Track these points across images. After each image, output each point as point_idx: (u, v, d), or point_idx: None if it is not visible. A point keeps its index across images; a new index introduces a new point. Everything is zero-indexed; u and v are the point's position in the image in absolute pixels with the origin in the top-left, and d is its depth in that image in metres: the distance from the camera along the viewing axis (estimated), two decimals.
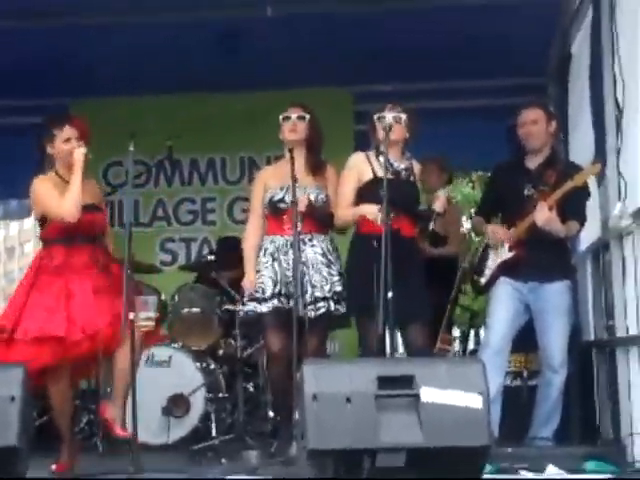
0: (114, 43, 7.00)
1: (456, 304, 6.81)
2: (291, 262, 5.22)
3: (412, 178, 5.42)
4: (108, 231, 5.40)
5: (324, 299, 5.25)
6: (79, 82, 7.65)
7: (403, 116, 5.30)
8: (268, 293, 5.34)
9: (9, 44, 7.05)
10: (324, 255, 5.36)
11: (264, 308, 5.35)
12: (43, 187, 5.14)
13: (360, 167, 5.40)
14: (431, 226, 5.40)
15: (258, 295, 5.38)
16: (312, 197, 5.35)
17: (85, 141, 5.18)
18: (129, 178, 4.89)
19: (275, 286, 5.33)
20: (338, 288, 5.30)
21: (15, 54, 7.16)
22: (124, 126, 5.35)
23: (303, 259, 5.22)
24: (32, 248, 50.74)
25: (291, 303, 5.15)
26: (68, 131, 5.16)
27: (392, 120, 5.21)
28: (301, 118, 5.47)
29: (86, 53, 7.20)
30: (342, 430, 3.81)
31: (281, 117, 5.50)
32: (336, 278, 5.32)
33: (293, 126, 5.44)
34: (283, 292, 5.32)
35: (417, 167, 5.50)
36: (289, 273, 5.26)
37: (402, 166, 5.34)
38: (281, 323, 5.28)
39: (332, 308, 5.27)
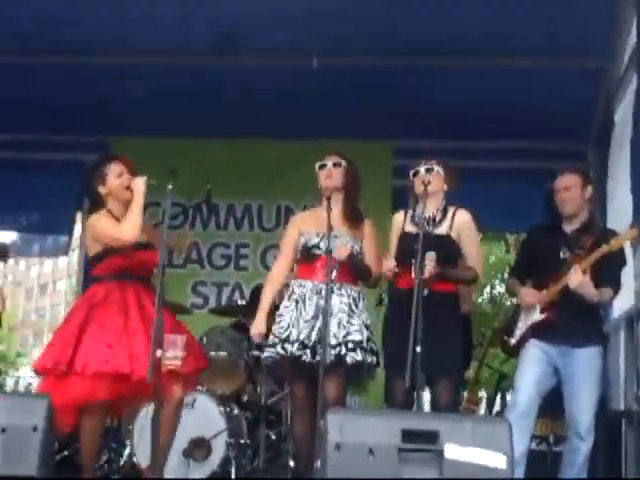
0: (157, 83, 7.10)
1: (483, 364, 6.76)
2: (312, 309, 5.26)
3: (441, 229, 5.35)
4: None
5: (336, 345, 5.19)
6: (118, 120, 7.76)
7: (436, 167, 5.33)
8: (291, 337, 5.29)
9: (50, 81, 7.18)
10: (349, 305, 5.33)
11: (282, 352, 5.29)
12: (102, 220, 5.18)
13: (398, 223, 5.47)
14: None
15: (277, 341, 5.35)
16: (351, 248, 5.34)
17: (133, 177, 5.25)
18: (166, 217, 4.88)
19: (287, 331, 5.31)
20: (356, 337, 5.25)
21: (50, 90, 7.27)
22: (162, 166, 5.38)
23: (326, 307, 5.22)
24: (64, 286, 51.16)
25: (294, 349, 5.20)
26: (119, 166, 5.26)
27: (424, 172, 5.27)
28: (337, 165, 5.48)
29: (127, 92, 7.28)
30: None
31: (317, 165, 5.51)
32: (355, 327, 5.27)
33: (329, 172, 5.45)
34: (292, 338, 5.28)
35: (459, 216, 5.40)
36: (307, 318, 5.27)
37: (427, 215, 5.31)
38: (301, 371, 5.28)
39: (342, 353, 5.19)
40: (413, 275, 4.98)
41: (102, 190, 5.25)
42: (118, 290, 5.12)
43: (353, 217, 5.48)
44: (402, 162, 7.94)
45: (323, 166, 5.49)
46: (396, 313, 5.18)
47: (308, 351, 5.17)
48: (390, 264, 5.20)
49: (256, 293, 7.38)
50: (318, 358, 5.02)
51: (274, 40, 6.53)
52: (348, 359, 5.19)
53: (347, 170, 5.49)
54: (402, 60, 6.82)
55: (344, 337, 5.21)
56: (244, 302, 7.05)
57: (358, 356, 5.22)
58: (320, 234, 5.35)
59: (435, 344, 4.83)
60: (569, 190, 5.40)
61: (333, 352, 5.12)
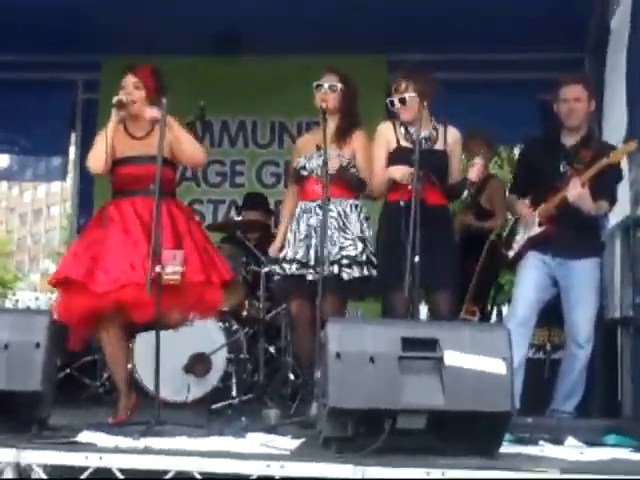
0: (159, 4, 7.00)
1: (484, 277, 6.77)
2: (304, 228, 5.37)
3: (437, 146, 5.36)
4: None
5: (331, 263, 5.21)
6: (112, 39, 7.66)
7: (407, 95, 5.27)
8: (289, 256, 5.41)
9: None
10: (338, 220, 5.34)
11: (279, 270, 5.45)
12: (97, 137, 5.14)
13: (388, 135, 5.41)
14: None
15: (278, 257, 5.53)
16: (342, 161, 5.35)
17: (149, 91, 5.09)
18: (161, 133, 4.83)
19: (283, 251, 5.46)
20: (351, 252, 5.27)
21: (45, 7, 7.16)
22: None
23: (314, 223, 5.30)
24: (58, 211, 51.10)
25: (293, 268, 5.32)
26: (128, 78, 5.12)
27: (399, 104, 5.30)
28: (333, 88, 5.44)
29: (120, 9, 7.18)
30: (364, 390, 3.81)
31: (315, 84, 5.48)
32: (349, 242, 5.30)
33: (324, 95, 5.42)
34: (289, 257, 5.38)
35: (451, 134, 5.43)
36: (301, 237, 5.37)
37: (423, 134, 5.27)
38: (297, 288, 5.37)
39: (336, 271, 5.22)
40: (410, 187, 4.98)
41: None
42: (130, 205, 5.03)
43: (343, 135, 5.47)
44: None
45: (319, 86, 5.45)
46: (390, 226, 5.17)
47: (311, 269, 5.22)
48: (403, 168, 5.15)
49: (249, 199, 7.45)
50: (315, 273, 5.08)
51: None
52: (344, 275, 5.23)
53: (343, 93, 5.45)
54: None
55: (337, 253, 5.23)
56: (240, 218, 7.06)
57: (355, 272, 5.25)
58: (308, 156, 5.40)
59: (432, 256, 4.85)
60: (580, 101, 5.35)
61: (331, 268, 5.16)
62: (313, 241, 5.30)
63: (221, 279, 5.08)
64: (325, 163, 5.10)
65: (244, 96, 8.11)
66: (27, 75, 8.50)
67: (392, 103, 5.37)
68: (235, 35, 7.55)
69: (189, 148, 5.09)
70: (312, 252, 5.29)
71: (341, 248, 5.27)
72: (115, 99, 5.03)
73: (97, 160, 5.05)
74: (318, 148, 5.27)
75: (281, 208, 5.83)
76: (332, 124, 5.45)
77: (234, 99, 8.06)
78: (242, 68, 8.11)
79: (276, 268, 5.47)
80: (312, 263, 5.26)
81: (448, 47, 7.50)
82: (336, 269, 5.22)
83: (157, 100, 5.03)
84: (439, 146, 5.36)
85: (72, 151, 9.02)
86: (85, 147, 8.52)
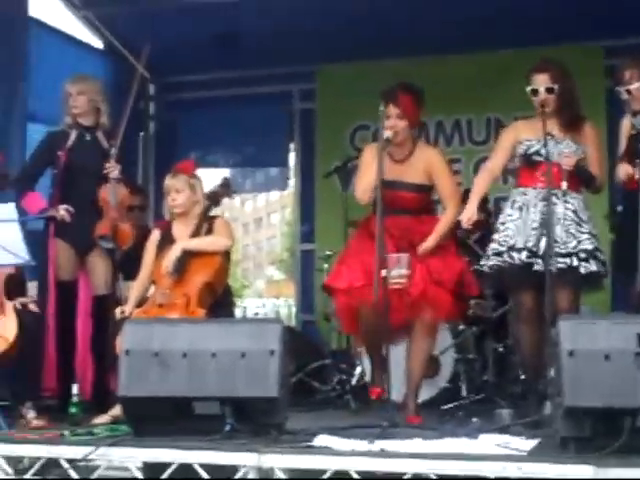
0: (358, 7, 7.08)
1: None
2: (538, 216, 5.15)
3: None
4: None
5: (568, 255, 5.08)
6: (325, 48, 7.81)
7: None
8: (515, 245, 5.21)
9: (254, 15, 7.31)
10: (575, 213, 5.20)
11: (507, 259, 5.22)
12: (362, 157, 5.52)
13: (629, 124, 5.29)
14: None
15: (501, 249, 5.29)
16: (575, 155, 5.21)
17: (411, 119, 5.35)
18: (379, 138, 4.90)
19: (512, 239, 5.22)
20: (587, 246, 5.12)
21: (264, 22, 7.39)
22: (371, 90, 5.40)
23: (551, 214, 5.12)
24: (278, 218, 52.45)
25: (522, 256, 5.12)
26: (389, 109, 5.31)
27: (636, 90, 5.11)
28: (549, 91, 5.27)
29: (333, 18, 7.31)
30: (600, 388, 3.74)
31: (529, 89, 5.29)
32: (585, 236, 5.14)
33: (544, 100, 5.22)
34: (520, 246, 5.19)
35: None
36: (534, 225, 5.17)
37: None
38: (528, 279, 5.18)
39: (575, 264, 5.08)
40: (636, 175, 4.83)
41: None
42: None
43: (572, 123, 5.31)
44: (614, 62, 7.65)
45: (535, 92, 5.29)
46: (627, 216, 5.02)
47: (539, 260, 5.09)
48: (625, 166, 5.04)
49: (466, 197, 7.37)
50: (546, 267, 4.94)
51: None
52: (582, 269, 5.09)
53: (561, 90, 5.29)
54: None
55: (575, 247, 5.10)
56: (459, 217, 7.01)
57: (592, 266, 5.11)
58: (540, 140, 5.21)
59: None
60: None
61: (565, 261, 5.04)
62: (545, 231, 5.09)
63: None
64: (559, 155, 5.02)
65: (457, 94, 8.07)
66: (244, 90, 8.79)
67: (619, 93, 5.23)
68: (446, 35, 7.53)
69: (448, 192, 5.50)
70: (543, 242, 5.13)
71: (579, 241, 5.13)
72: (385, 134, 5.19)
73: (365, 193, 5.34)
74: (546, 137, 5.06)
75: (475, 179, 5.65)
76: (554, 121, 5.25)
77: (447, 98, 8.02)
78: (454, 66, 8.08)
79: (505, 257, 5.25)
80: (542, 253, 5.11)
81: None
82: (575, 261, 5.09)
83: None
84: None
85: (291, 158, 9.22)
86: (304, 156, 8.79)
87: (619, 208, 5.38)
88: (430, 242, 5.32)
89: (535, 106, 5.28)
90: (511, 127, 5.63)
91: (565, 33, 7.33)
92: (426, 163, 5.42)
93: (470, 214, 5.28)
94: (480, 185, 5.48)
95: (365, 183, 5.32)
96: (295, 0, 7.22)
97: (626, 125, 5.33)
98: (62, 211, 5.80)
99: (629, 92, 5.17)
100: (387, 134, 5.18)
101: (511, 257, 5.21)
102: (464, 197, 7.26)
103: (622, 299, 5.03)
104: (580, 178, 5.22)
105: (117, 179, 5.86)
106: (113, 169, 5.84)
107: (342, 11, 7.22)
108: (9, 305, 5.24)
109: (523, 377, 6.14)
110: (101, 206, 5.89)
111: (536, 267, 5.08)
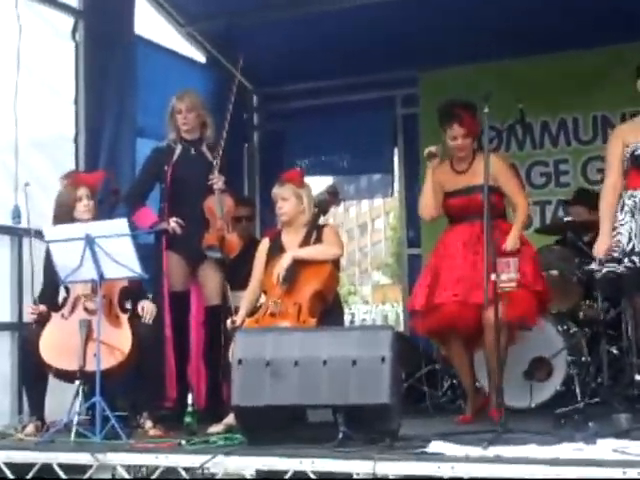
0: (467, 12, 7.05)
1: None
2: None
3: None
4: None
5: None
6: (427, 53, 7.79)
7: None
8: (625, 251, 5.13)
9: (352, 24, 7.33)
10: None
11: (621, 268, 5.14)
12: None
13: None
14: None
15: (616, 254, 5.18)
16: None
17: (474, 134, 5.58)
18: (484, 140, 4.87)
19: (630, 243, 5.12)
20: None
21: (368, 30, 7.42)
22: (473, 93, 5.38)
23: None
24: (382, 224, 52.42)
25: (637, 260, 5.00)
26: (454, 130, 5.57)
27: None
28: None
29: (433, 22, 7.30)
30: None
31: None
32: None
33: None
34: (637, 250, 5.07)
35: None
36: None
37: None
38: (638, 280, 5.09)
39: None
40: None
41: None
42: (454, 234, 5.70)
43: None
44: None
45: None
46: None
47: None
48: None
49: (581, 194, 7.25)
50: None
51: None
52: None
53: None
54: None
55: None
56: (569, 218, 6.91)
57: None
58: None
59: None
60: None
61: None
62: None
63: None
64: None
65: (561, 94, 7.94)
66: (347, 97, 8.82)
67: None
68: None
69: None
70: None
71: None
72: (426, 151, 5.67)
73: (425, 209, 5.83)
74: None
75: (602, 199, 5.37)
76: None
77: (551, 98, 7.92)
78: (556, 65, 7.95)
79: (625, 262, 5.11)
80: None
81: None
82: None
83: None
84: None
85: (396, 165, 9.21)
86: (408, 161, 8.78)
87: None
88: (511, 239, 5.41)
89: None
90: (616, 133, 5.53)
91: None
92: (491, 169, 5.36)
93: (606, 245, 5.19)
94: (609, 209, 5.30)
95: (423, 201, 5.80)
96: (395, 7, 7.18)
97: None
98: (173, 223, 5.91)
99: None
100: (431, 149, 5.65)
101: (632, 262, 5.10)
102: (576, 198, 7.19)
103: None
104: None
105: (222, 190, 5.96)
106: (217, 180, 5.94)
107: (442, 16, 7.19)
108: (123, 317, 5.36)
109: (639, 379, 6.01)
110: (208, 217, 5.99)
111: None
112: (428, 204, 5.76)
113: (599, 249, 5.21)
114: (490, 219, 4.89)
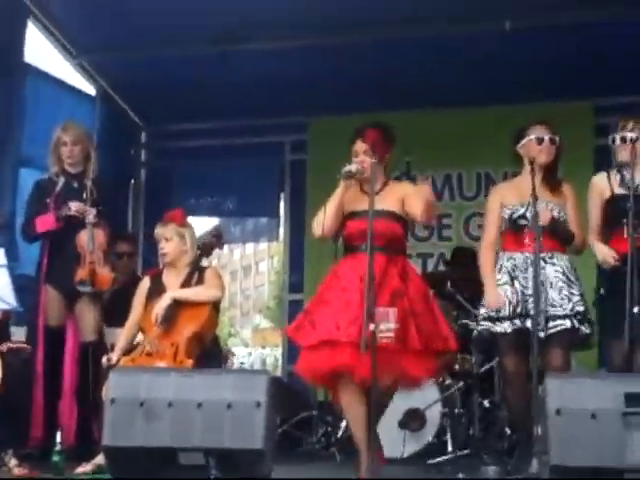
0: (361, 63, 7.15)
1: None
2: (530, 280, 5.12)
3: None
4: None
5: (564, 317, 5.10)
6: (317, 101, 7.87)
7: None
8: (504, 313, 5.24)
9: (249, 67, 7.37)
10: (564, 274, 5.21)
11: (498, 328, 5.25)
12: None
13: (601, 185, 5.26)
14: None
15: (493, 314, 5.30)
16: (555, 213, 5.24)
17: (380, 154, 5.18)
18: (371, 191, 4.90)
19: (510, 306, 5.24)
20: (580, 308, 5.13)
21: (260, 75, 7.46)
22: None
23: (543, 277, 5.08)
24: (266, 267, 52.44)
25: (527, 323, 5.07)
26: (357, 145, 5.22)
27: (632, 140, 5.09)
28: (553, 141, 5.34)
29: (323, 71, 7.38)
30: (587, 447, 3.73)
31: (534, 136, 5.32)
32: (577, 298, 5.14)
33: (547, 149, 5.29)
34: (519, 312, 5.21)
35: None
36: (528, 292, 5.16)
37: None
38: (517, 344, 5.19)
39: (574, 326, 5.07)
40: (625, 235, 4.86)
41: None
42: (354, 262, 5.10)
43: (555, 185, 5.32)
44: (604, 120, 7.73)
45: (540, 140, 5.33)
46: (612, 275, 5.04)
47: (529, 324, 5.08)
48: (604, 251, 5.05)
49: (457, 254, 7.40)
50: (542, 330, 4.93)
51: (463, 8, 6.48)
52: (579, 332, 5.10)
53: (558, 146, 5.35)
54: (591, 11, 6.57)
55: (572, 308, 5.10)
56: (449, 269, 7.03)
57: (587, 329, 5.13)
58: (525, 204, 5.25)
59: None
60: None
61: (562, 323, 5.05)
62: (536, 295, 5.03)
63: (435, 349, 5.08)
64: (536, 214, 5.01)
65: (448, 149, 8.12)
66: (236, 140, 8.83)
67: (613, 140, 5.19)
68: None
69: (420, 201, 5.07)
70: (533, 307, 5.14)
71: (573, 303, 5.13)
72: (343, 170, 5.11)
73: (319, 226, 5.16)
74: (535, 198, 5.03)
75: (481, 256, 5.46)
76: (538, 174, 5.25)
77: (438, 153, 8.09)
78: (445, 121, 8.14)
79: (498, 324, 5.21)
80: (533, 317, 5.10)
81: None
82: (569, 323, 5.09)
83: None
84: None
85: (282, 210, 9.24)
86: (294, 206, 8.81)
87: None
88: None
89: (527, 161, 5.31)
90: (495, 191, 5.65)
91: (555, 91, 7.41)
92: (400, 193, 5.20)
93: (495, 297, 5.23)
94: (489, 264, 5.39)
95: (323, 217, 5.15)
96: (287, 53, 7.26)
97: (601, 183, 5.27)
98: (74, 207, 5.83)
99: (625, 140, 5.11)
100: (351, 167, 5.09)
101: (501, 323, 5.21)
102: (454, 256, 7.31)
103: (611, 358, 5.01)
104: (556, 235, 5.23)
105: (94, 223, 5.88)
106: (88, 213, 5.87)
107: (333, 65, 7.28)
108: None
109: (509, 433, 6.13)
110: (79, 251, 5.90)
111: (528, 330, 5.08)
112: (328, 221, 5.13)
113: (490, 301, 5.27)
114: (372, 252, 4.72)
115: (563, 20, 6.66)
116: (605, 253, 5.06)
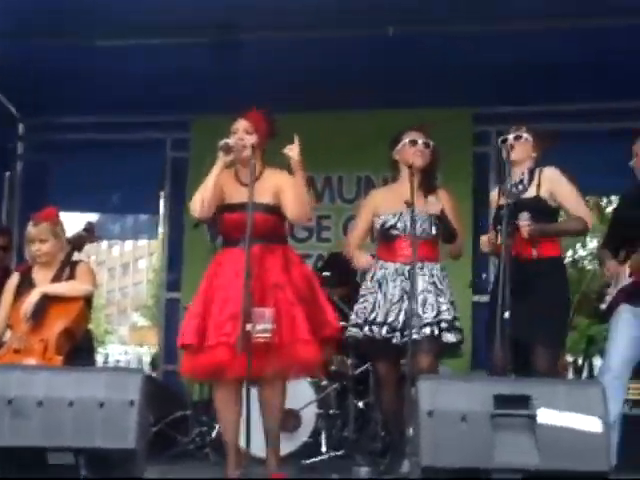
0: (244, 60, 7.11)
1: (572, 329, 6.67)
2: (397, 291, 5.25)
3: (536, 193, 5.27)
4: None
5: (428, 325, 5.18)
6: (201, 99, 7.81)
7: (525, 135, 5.27)
8: (367, 319, 5.34)
9: (130, 60, 7.26)
10: (434, 284, 5.30)
11: (361, 335, 5.36)
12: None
13: (494, 201, 5.44)
14: None
15: (359, 321, 5.38)
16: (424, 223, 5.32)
17: (261, 134, 5.12)
18: (250, 190, 4.87)
19: (372, 313, 5.32)
20: (446, 316, 5.23)
21: (132, 70, 7.35)
22: None
23: (408, 287, 5.16)
24: (145, 264, 51.86)
25: (383, 331, 5.21)
26: (237, 123, 5.17)
27: (513, 140, 5.23)
28: (427, 145, 5.42)
29: (209, 69, 7.32)
30: (457, 448, 3.78)
31: (407, 140, 5.43)
32: (445, 307, 5.25)
33: (421, 152, 5.39)
34: (379, 320, 5.29)
35: (548, 175, 5.30)
36: (394, 300, 5.27)
37: (524, 183, 5.27)
38: (387, 349, 5.30)
39: (434, 333, 5.17)
40: (498, 241, 4.98)
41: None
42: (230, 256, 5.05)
43: (429, 189, 5.41)
44: (483, 128, 7.91)
45: (414, 142, 5.42)
46: (494, 282, 5.18)
47: (397, 333, 5.19)
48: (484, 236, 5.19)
49: (332, 260, 7.44)
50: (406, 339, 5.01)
51: (349, 10, 6.50)
52: (443, 339, 5.20)
53: (433, 150, 5.44)
54: (478, 24, 6.69)
55: (435, 317, 5.18)
56: (327, 273, 7.06)
57: (452, 337, 5.23)
58: (397, 214, 5.33)
59: (532, 311, 4.85)
60: None
61: (424, 331, 5.13)
62: (404, 305, 5.21)
63: (322, 336, 5.05)
64: (414, 221, 5.07)
65: (329, 152, 8.15)
66: (117, 136, 8.71)
67: (504, 141, 5.30)
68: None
69: (293, 199, 5.04)
70: (402, 316, 5.21)
71: (439, 312, 5.22)
72: (221, 142, 5.03)
73: (197, 203, 5.03)
74: (408, 205, 5.11)
75: (347, 244, 5.66)
76: (415, 181, 5.30)
77: (319, 155, 8.08)
78: (326, 124, 8.16)
79: (365, 331, 5.32)
80: (400, 326, 5.19)
81: (535, 99, 7.46)
82: (436, 331, 5.17)
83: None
84: (531, 192, 5.28)
85: (162, 208, 9.15)
86: (174, 204, 8.73)
87: (484, 276, 5.50)
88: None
89: (403, 167, 5.39)
90: (370, 198, 5.74)
91: (436, 98, 7.52)
92: (275, 184, 5.13)
93: (366, 260, 5.41)
94: (354, 249, 5.57)
95: (201, 195, 5.02)
96: (169, 49, 7.17)
97: (494, 198, 5.45)
98: None
99: (518, 138, 5.29)
100: (228, 141, 5.04)
101: (370, 331, 5.31)
102: (328, 261, 7.37)
103: (482, 361, 5.12)
104: (444, 228, 5.31)
105: None
106: None
107: (217, 62, 7.22)
108: None
109: (383, 434, 6.20)
110: None
111: (394, 341, 5.20)
112: (205, 199, 4.98)
113: (360, 262, 5.46)
114: (273, 242, 4.89)
115: (449, 29, 6.75)
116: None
